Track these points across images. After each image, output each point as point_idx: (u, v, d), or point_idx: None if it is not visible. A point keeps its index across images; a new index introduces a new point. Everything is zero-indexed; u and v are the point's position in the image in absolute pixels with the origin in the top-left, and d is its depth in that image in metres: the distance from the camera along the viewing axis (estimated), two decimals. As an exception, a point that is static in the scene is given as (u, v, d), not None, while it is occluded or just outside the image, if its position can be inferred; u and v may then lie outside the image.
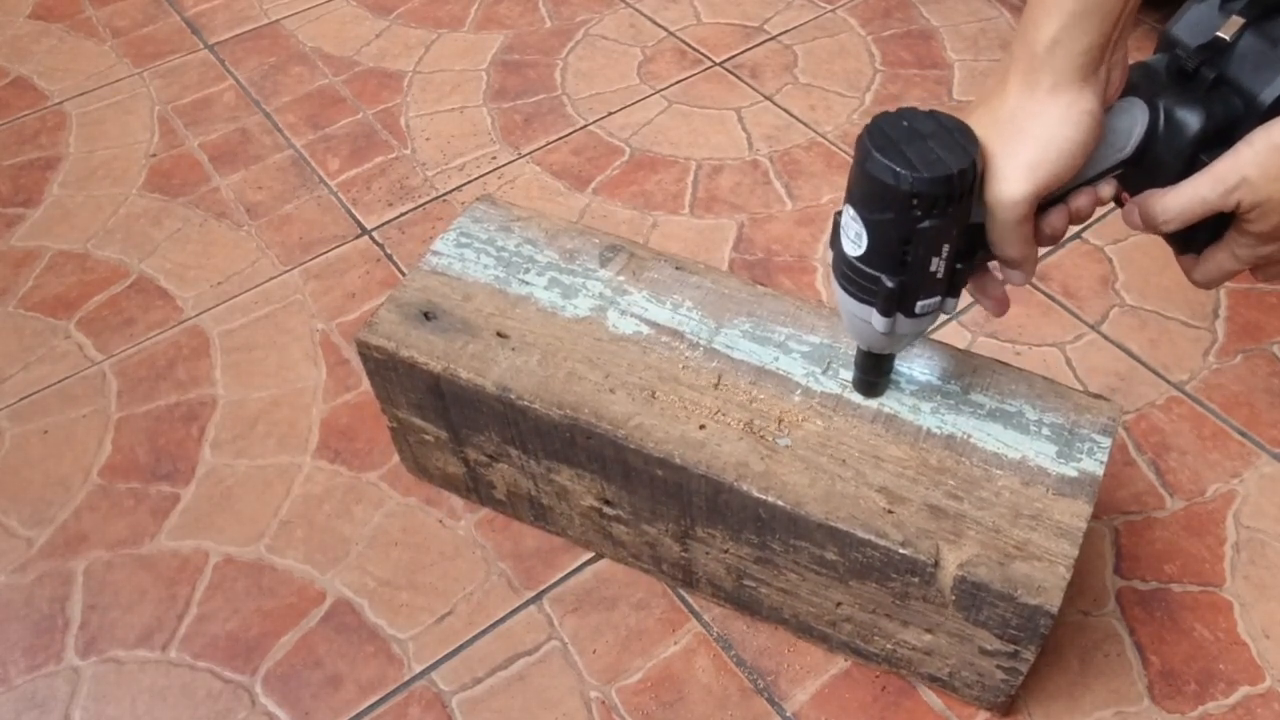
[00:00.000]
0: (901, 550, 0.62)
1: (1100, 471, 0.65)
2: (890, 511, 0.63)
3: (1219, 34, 0.56)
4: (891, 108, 0.60)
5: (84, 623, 0.81)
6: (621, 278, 0.77)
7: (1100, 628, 0.77)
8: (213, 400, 0.95)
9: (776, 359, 0.71)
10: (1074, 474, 0.64)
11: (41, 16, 1.44)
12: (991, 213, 0.55)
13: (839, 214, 0.58)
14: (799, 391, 0.69)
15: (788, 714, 0.74)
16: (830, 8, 1.36)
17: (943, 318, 0.96)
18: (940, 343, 0.72)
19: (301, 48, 1.35)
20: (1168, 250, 0.65)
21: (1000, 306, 0.63)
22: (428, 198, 1.14)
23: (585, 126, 1.21)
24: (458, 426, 0.77)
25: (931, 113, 0.54)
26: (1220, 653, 0.75)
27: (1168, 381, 0.92)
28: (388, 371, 0.76)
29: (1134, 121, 0.57)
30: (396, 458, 0.89)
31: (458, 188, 1.15)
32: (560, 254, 0.79)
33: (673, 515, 0.72)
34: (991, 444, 0.66)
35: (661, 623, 0.79)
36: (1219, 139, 0.56)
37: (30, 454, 0.92)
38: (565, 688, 0.75)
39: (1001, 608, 0.61)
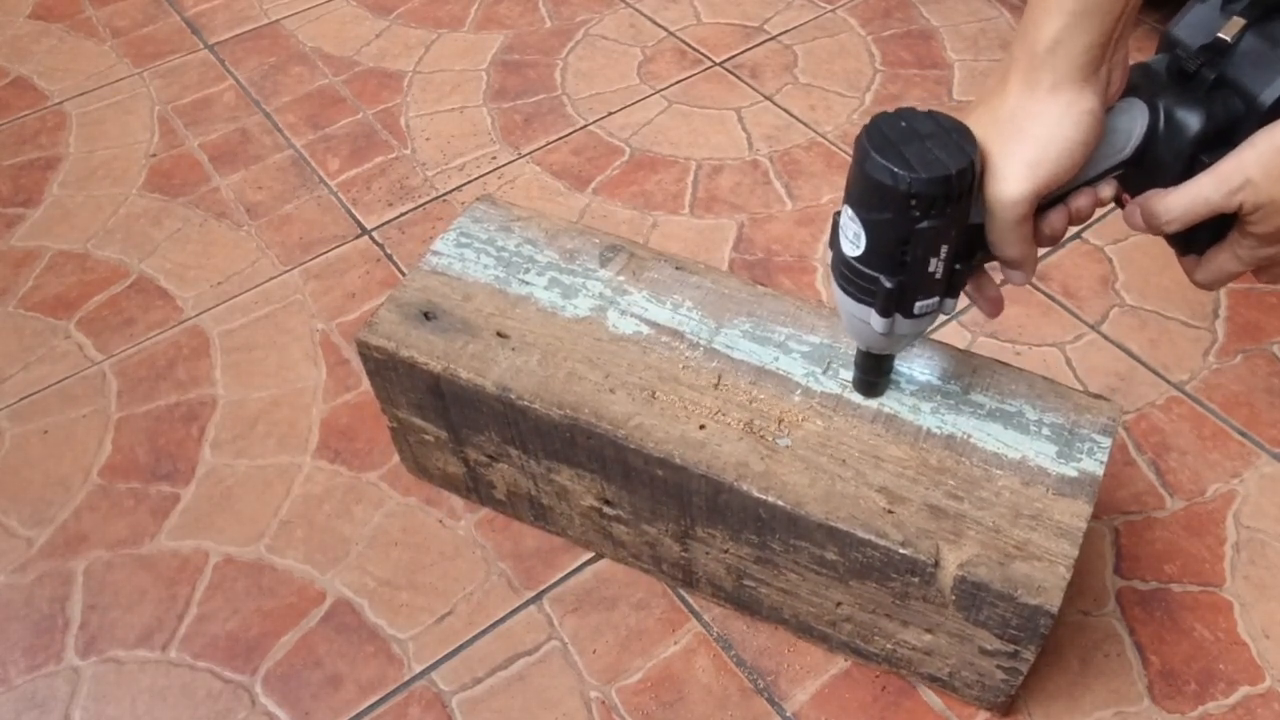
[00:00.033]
0: (901, 550, 0.62)
1: (1100, 471, 0.65)
2: (890, 511, 0.63)
3: (1220, 35, 0.56)
4: (891, 108, 0.60)
5: (84, 623, 0.81)
6: (621, 278, 0.77)
7: (1100, 628, 0.77)
8: (213, 400, 0.95)
9: (776, 359, 0.71)
10: (1074, 474, 0.64)
11: (41, 16, 1.44)
12: (991, 212, 0.55)
13: (838, 214, 0.58)
14: (799, 391, 0.69)
15: (788, 714, 0.74)
16: (830, 8, 1.36)
17: (941, 318, 0.96)
18: (940, 343, 0.72)
19: (301, 48, 1.35)
20: (1168, 250, 0.65)
21: (995, 307, 0.63)
22: (428, 198, 1.14)
23: (585, 126, 1.21)
24: (458, 426, 0.77)
25: (930, 113, 0.54)
26: (1220, 653, 0.75)
27: (1168, 381, 0.92)
28: (388, 371, 0.76)
29: (1134, 122, 0.57)
30: (396, 458, 0.89)
31: (458, 188, 1.15)
32: (560, 254, 0.79)
33: (673, 515, 0.72)
34: (991, 444, 0.66)
35: (661, 623, 0.79)
36: (1219, 140, 0.56)
37: (30, 454, 0.92)
38: (565, 688, 0.75)
39: (1001, 608, 0.61)
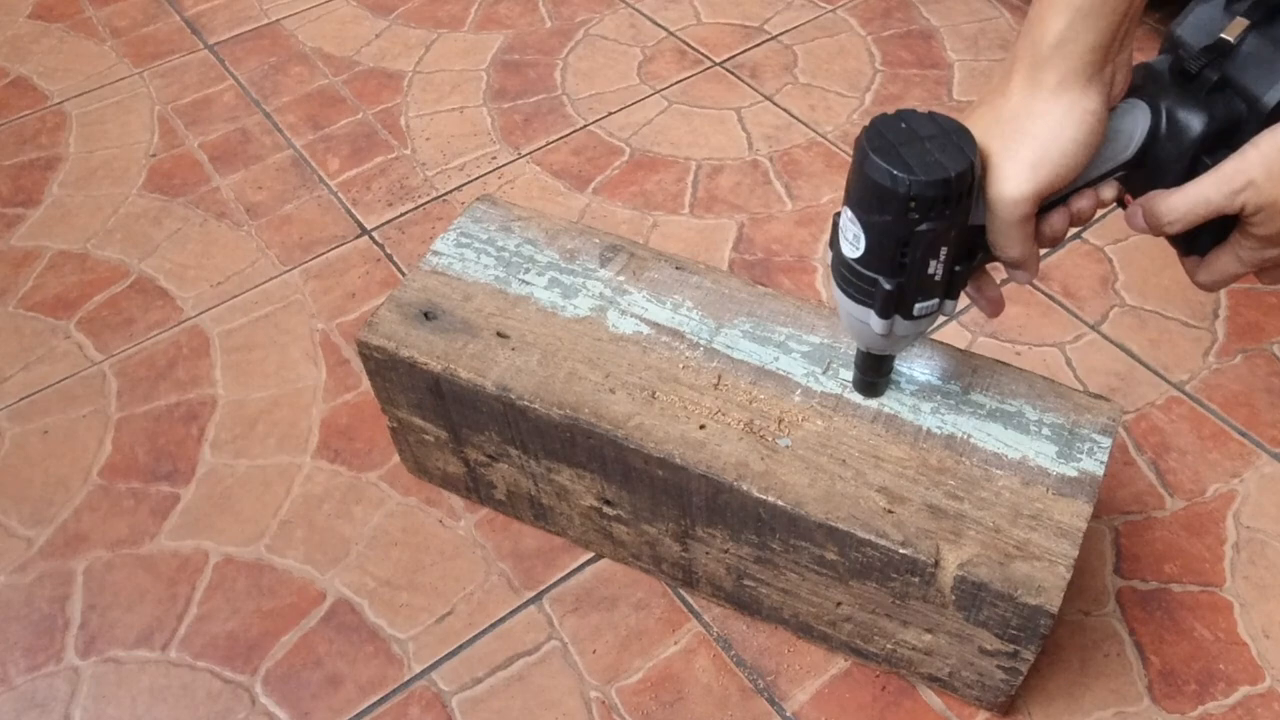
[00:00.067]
0: (901, 550, 0.62)
1: (1100, 471, 0.65)
2: (890, 511, 0.63)
3: (1223, 35, 0.56)
4: (891, 108, 0.60)
5: (84, 623, 0.81)
6: (621, 278, 0.77)
7: (1100, 628, 0.77)
8: (213, 400, 0.95)
9: (776, 359, 0.71)
10: (1074, 474, 0.64)
11: (41, 16, 1.44)
12: (993, 212, 0.55)
13: (838, 215, 0.58)
14: (799, 391, 0.69)
15: (788, 714, 0.74)
16: (830, 8, 1.36)
17: (941, 319, 0.96)
18: (940, 343, 0.72)
19: (301, 48, 1.35)
20: (1168, 250, 0.65)
21: (995, 307, 0.63)
22: (428, 198, 1.14)
23: (585, 126, 1.21)
24: (458, 426, 0.77)
25: (930, 114, 0.54)
26: (1220, 653, 0.75)
27: (1168, 381, 0.92)
28: (388, 371, 0.76)
29: (1136, 123, 0.57)
30: (396, 458, 0.89)
31: (458, 188, 1.15)
32: (560, 254, 0.79)
33: (673, 515, 0.72)
34: (991, 444, 0.66)
35: (661, 623, 0.79)
36: (1221, 141, 0.56)
37: (30, 454, 0.92)
38: (565, 688, 0.75)
39: (1001, 608, 0.61)
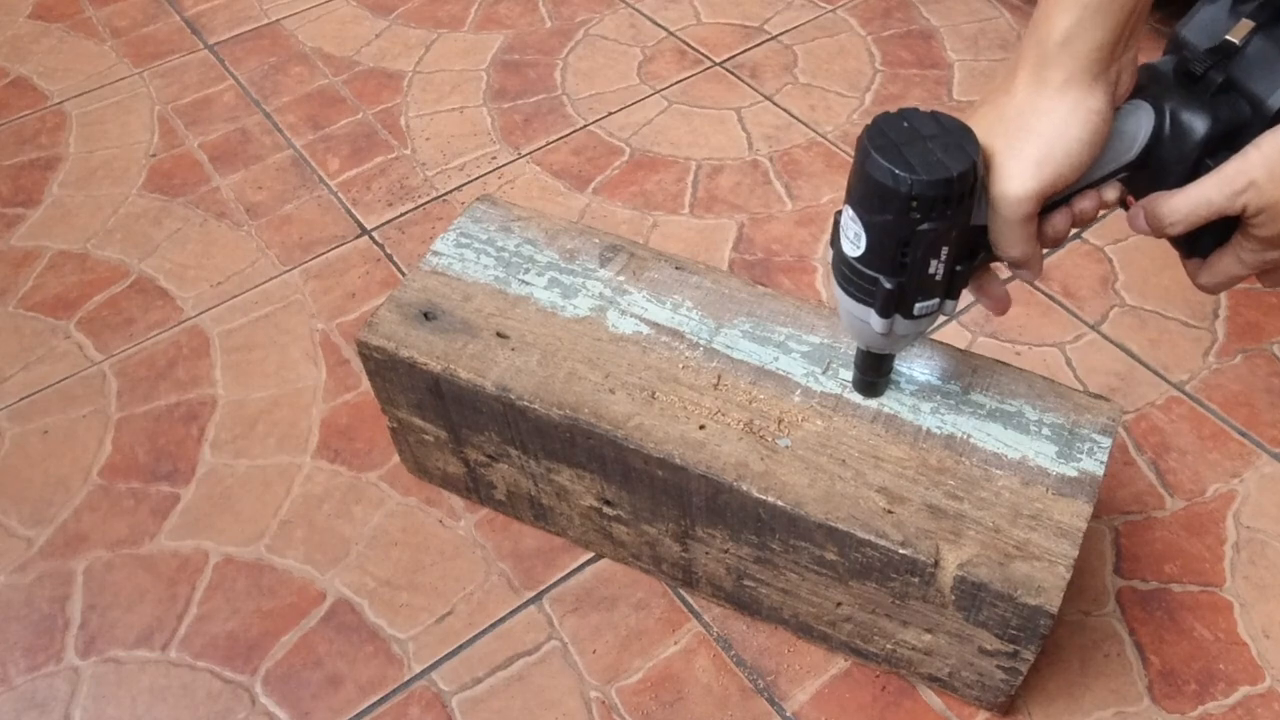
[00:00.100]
0: (901, 550, 0.62)
1: (1100, 471, 0.65)
2: (890, 511, 0.63)
3: (1228, 37, 0.56)
4: (891, 108, 0.60)
5: (84, 623, 0.81)
6: (621, 278, 0.77)
7: (1100, 628, 0.77)
8: (213, 400, 0.95)
9: (776, 359, 0.71)
10: (1074, 474, 0.64)
11: (41, 16, 1.44)
12: (995, 210, 0.55)
13: (839, 213, 0.58)
14: (799, 391, 0.69)
15: (788, 714, 0.74)
16: (830, 8, 1.36)
17: (942, 319, 0.96)
18: (940, 343, 0.72)
19: (301, 48, 1.35)
20: (1167, 250, 0.65)
21: (1001, 305, 0.63)
22: (428, 198, 1.14)
23: (585, 126, 1.21)
24: (458, 426, 0.77)
25: (933, 114, 0.54)
26: (1220, 653, 0.75)
27: (1168, 381, 0.92)
28: (388, 371, 0.76)
29: (1139, 124, 0.57)
30: (396, 458, 0.89)
31: (458, 188, 1.15)
32: (560, 254, 0.79)
33: (673, 515, 0.72)
34: (991, 444, 0.66)
35: (661, 623, 0.79)
36: (1225, 143, 0.55)
37: (30, 454, 0.92)
38: (565, 688, 0.75)
39: (1001, 608, 0.61)
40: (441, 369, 0.72)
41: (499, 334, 0.74)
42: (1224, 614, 0.77)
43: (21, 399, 0.97)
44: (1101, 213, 0.65)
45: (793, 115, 1.21)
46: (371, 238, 1.09)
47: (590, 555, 0.83)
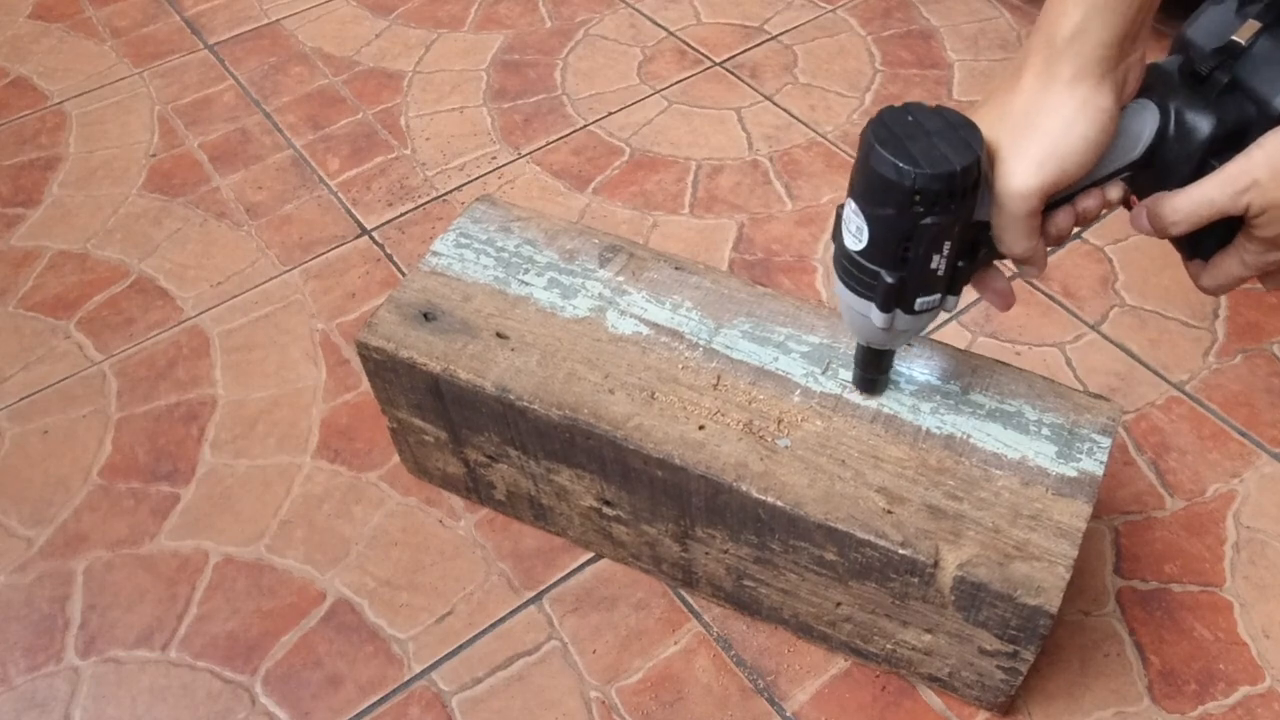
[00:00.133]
0: (901, 550, 0.62)
1: (1100, 471, 0.65)
2: (890, 512, 0.63)
3: (1234, 38, 0.56)
4: (892, 107, 0.60)
5: (84, 623, 0.81)
6: (621, 278, 0.77)
7: (1100, 628, 0.77)
8: (213, 400, 0.95)
9: (776, 359, 0.71)
10: (1074, 474, 0.64)
11: (41, 16, 1.44)
12: (999, 205, 0.55)
13: (841, 207, 0.57)
14: (798, 392, 0.69)
15: (788, 714, 0.74)
16: (830, 8, 1.36)
17: (943, 316, 0.96)
18: (940, 343, 0.72)
19: (301, 48, 1.35)
20: (1168, 250, 0.65)
21: (1004, 301, 0.62)
22: (428, 198, 1.14)
23: (585, 126, 1.21)
24: (457, 427, 0.77)
25: (937, 108, 0.54)
26: (1220, 653, 0.75)
27: (1168, 381, 0.92)
28: (387, 372, 0.76)
29: (1144, 124, 0.57)
30: (396, 458, 0.89)
31: (458, 188, 1.15)
32: (560, 254, 0.79)
33: (672, 515, 0.72)
34: (991, 444, 0.66)
35: (661, 623, 0.79)
36: (1229, 144, 0.55)
37: (30, 454, 0.92)
38: (565, 688, 0.75)
39: (1001, 608, 0.61)
40: (441, 369, 0.72)
41: (499, 334, 0.74)
42: (1224, 614, 0.77)
43: (21, 399, 0.97)
44: (1104, 212, 0.64)
45: (793, 115, 1.21)
46: (371, 238, 1.09)
47: (590, 555, 0.83)
